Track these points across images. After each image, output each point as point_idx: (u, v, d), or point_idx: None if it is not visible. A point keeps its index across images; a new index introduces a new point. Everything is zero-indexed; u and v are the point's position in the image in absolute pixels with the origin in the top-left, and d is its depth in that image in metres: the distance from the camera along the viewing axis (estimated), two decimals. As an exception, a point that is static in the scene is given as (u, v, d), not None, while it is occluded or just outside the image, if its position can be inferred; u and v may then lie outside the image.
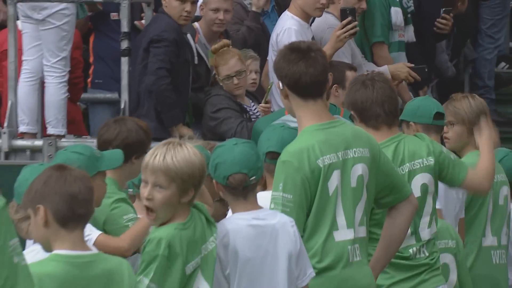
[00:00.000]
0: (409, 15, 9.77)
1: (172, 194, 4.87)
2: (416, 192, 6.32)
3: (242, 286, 5.40)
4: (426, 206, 6.43)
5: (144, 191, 4.90)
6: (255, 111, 9.25)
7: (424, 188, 6.51)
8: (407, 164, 6.40)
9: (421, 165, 6.46)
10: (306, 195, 5.61)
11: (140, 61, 8.82)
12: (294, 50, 5.68)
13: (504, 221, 7.42)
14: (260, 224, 5.51)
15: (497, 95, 11.91)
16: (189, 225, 4.97)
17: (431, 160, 6.50)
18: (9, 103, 8.82)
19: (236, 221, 5.37)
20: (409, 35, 9.82)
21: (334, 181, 5.67)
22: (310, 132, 5.61)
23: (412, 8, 9.97)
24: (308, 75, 5.62)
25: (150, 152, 5.03)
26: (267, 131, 6.21)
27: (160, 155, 4.98)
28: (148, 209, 4.88)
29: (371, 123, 6.34)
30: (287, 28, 8.67)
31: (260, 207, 5.53)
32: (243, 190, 5.48)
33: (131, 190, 6.46)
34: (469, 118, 7.37)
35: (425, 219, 6.37)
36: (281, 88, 5.68)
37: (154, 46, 8.75)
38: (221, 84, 8.65)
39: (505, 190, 7.31)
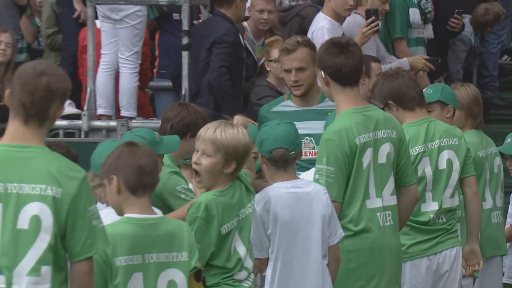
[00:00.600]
0: (428, 15, 9.91)
1: (216, 162, 5.14)
2: (442, 165, 6.65)
3: (281, 244, 5.75)
4: (451, 179, 6.59)
5: (195, 157, 5.20)
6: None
7: (449, 162, 6.69)
8: (437, 140, 6.55)
9: (448, 143, 6.59)
10: (346, 168, 5.81)
11: (203, 58, 9.03)
12: (335, 45, 5.92)
13: (499, 186, 7.58)
14: (297, 191, 5.83)
15: (500, 83, 12.15)
16: (227, 192, 5.19)
17: (456, 141, 6.67)
18: (88, 89, 9.17)
19: (277, 189, 5.64)
20: (428, 32, 9.97)
21: (367, 157, 5.92)
22: (348, 115, 5.83)
23: (430, 9, 10.01)
24: (348, 66, 5.84)
25: (205, 126, 5.38)
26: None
27: (212, 129, 5.25)
28: (196, 173, 5.17)
29: (409, 106, 6.52)
30: (320, 27, 8.77)
31: (297, 178, 5.80)
32: (283, 163, 5.76)
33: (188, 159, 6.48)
34: (467, 103, 7.49)
35: (449, 191, 6.50)
36: (323, 76, 5.91)
37: (216, 47, 8.93)
38: (268, 69, 8.77)
39: (498, 160, 7.58)
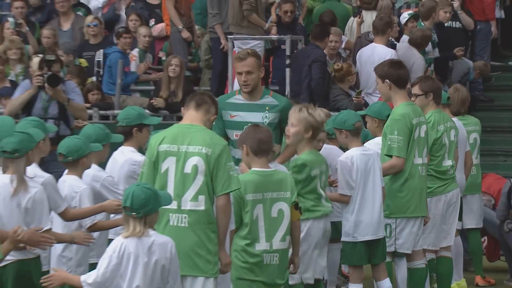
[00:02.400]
0: (435, 43, 11.57)
1: (298, 130, 6.27)
2: (452, 138, 7.83)
3: (360, 188, 7.00)
4: (454, 149, 7.82)
5: (288, 129, 6.39)
6: (352, 95, 11.11)
7: (454, 137, 7.94)
8: (448, 123, 7.75)
9: (451, 125, 7.80)
10: (408, 139, 7.06)
11: (305, 72, 10.79)
12: (397, 62, 7.57)
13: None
14: (366, 153, 7.13)
15: (484, 86, 13.10)
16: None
17: (453, 124, 7.90)
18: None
19: (355, 151, 6.92)
20: (435, 53, 11.60)
21: (416, 133, 7.21)
22: (406, 105, 7.12)
23: (436, 40, 11.53)
24: (406, 75, 7.38)
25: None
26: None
27: (300, 108, 6.39)
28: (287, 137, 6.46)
29: (438, 101, 7.75)
30: (390, 53, 10.40)
31: (363, 145, 7.02)
32: (357, 132, 7.03)
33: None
34: (461, 98, 8.84)
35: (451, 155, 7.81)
36: (388, 83, 7.13)
37: (315, 65, 10.71)
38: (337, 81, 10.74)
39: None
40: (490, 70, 12.77)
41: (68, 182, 5.91)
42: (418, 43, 11.22)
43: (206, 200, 5.43)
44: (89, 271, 5.23)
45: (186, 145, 5.43)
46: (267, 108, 6.55)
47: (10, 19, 12.07)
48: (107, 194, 6.15)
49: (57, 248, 5.94)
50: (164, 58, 12.28)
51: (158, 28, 12.61)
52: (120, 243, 4.72)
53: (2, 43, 11.67)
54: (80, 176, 6.03)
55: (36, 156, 5.70)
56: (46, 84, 9.01)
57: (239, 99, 6.63)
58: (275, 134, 6.46)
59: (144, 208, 4.68)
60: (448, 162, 7.75)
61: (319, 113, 6.76)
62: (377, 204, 7.04)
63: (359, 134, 7.07)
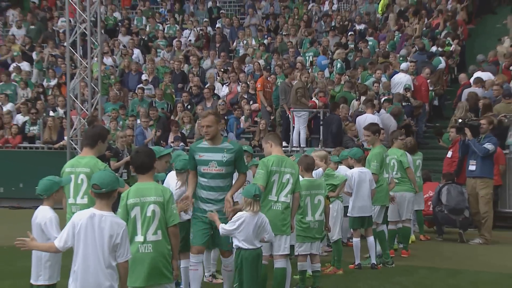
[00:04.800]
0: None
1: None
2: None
3: (356, 190, 8.72)
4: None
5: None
6: (355, 141, 13.10)
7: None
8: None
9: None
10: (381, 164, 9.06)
11: (331, 130, 13.85)
12: (375, 123, 9.45)
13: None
14: (362, 171, 8.89)
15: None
16: None
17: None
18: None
19: (356, 170, 8.69)
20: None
21: (387, 160, 9.26)
22: (378, 147, 9.01)
23: None
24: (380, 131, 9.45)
25: None
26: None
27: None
28: None
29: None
30: None
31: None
32: (361, 160, 8.72)
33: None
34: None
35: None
36: (371, 134, 9.02)
37: (334, 125, 13.86)
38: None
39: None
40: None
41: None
42: (395, 115, 13.78)
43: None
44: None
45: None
46: (225, 150, 6.89)
47: None
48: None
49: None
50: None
51: (255, 106, 16.39)
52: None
53: None
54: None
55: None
56: None
57: (205, 144, 6.96)
58: (231, 169, 6.89)
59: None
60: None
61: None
62: (367, 198, 8.98)
63: (361, 161, 9.09)
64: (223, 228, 6.44)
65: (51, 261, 5.92)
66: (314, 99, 15.07)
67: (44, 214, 5.72)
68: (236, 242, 6.51)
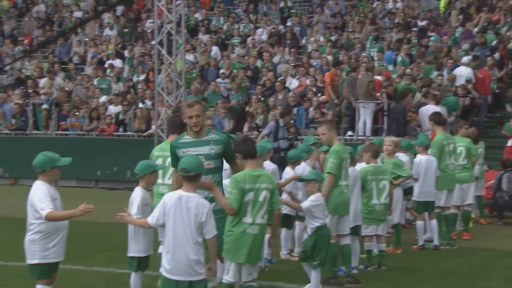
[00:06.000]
0: None
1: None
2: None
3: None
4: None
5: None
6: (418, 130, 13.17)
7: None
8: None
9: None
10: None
11: (397, 119, 13.92)
12: (438, 113, 9.22)
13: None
14: (430, 158, 8.96)
15: None
16: None
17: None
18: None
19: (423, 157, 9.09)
20: None
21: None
22: (441, 135, 8.73)
23: None
24: (444, 119, 9.42)
25: None
26: None
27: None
28: None
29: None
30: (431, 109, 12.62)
31: None
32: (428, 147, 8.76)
33: None
34: None
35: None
36: (432, 123, 8.89)
37: (401, 114, 13.55)
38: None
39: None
40: None
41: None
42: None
43: None
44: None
45: None
46: (211, 142, 5.85)
47: None
48: None
49: None
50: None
51: (323, 98, 16.30)
52: None
53: None
54: None
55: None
56: None
57: (188, 139, 5.89)
58: (220, 163, 5.86)
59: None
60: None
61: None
62: (432, 184, 9.06)
63: (428, 148, 9.07)
64: (310, 202, 6.44)
65: (144, 236, 6.02)
66: (380, 91, 14.99)
67: (135, 193, 5.92)
68: (313, 223, 6.53)
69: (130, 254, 6.10)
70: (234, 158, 5.79)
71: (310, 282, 6.49)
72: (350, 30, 19.96)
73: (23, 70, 20.32)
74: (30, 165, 5.43)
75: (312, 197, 6.50)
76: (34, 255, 5.34)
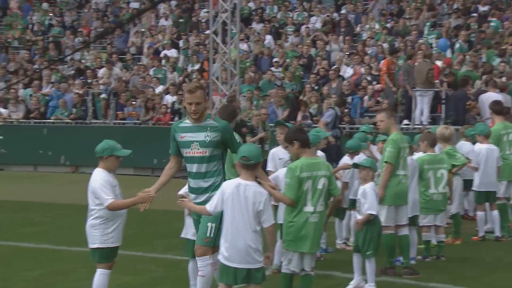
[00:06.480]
0: None
1: None
2: None
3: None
4: None
5: None
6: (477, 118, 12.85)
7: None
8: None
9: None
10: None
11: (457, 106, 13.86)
12: (498, 102, 9.04)
13: None
14: (491, 147, 8.84)
15: None
16: None
17: None
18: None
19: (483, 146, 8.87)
20: None
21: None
22: (500, 124, 8.66)
23: None
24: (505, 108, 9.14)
25: None
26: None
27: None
28: None
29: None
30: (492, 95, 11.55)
31: None
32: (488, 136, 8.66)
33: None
34: None
35: None
36: (491, 111, 8.75)
37: (461, 101, 13.50)
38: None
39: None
40: None
41: None
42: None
43: None
44: None
45: None
46: (208, 128, 5.50)
47: None
48: None
49: None
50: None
51: (378, 87, 16.18)
52: None
53: None
54: None
55: None
56: None
57: (187, 123, 5.59)
58: (218, 151, 5.48)
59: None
60: None
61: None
62: (494, 174, 8.87)
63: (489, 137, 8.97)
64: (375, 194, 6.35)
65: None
66: (439, 79, 14.72)
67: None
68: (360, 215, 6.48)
69: (182, 236, 6.14)
70: (237, 147, 5.38)
71: (364, 272, 6.43)
72: (407, 16, 19.54)
73: (83, 61, 20.83)
74: (90, 153, 5.68)
75: (371, 187, 6.43)
76: (94, 239, 5.50)
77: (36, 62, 20.75)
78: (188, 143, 5.49)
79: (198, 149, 5.47)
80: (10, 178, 16.09)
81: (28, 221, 10.39)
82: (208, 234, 5.28)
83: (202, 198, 5.40)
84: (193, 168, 5.47)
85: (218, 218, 5.17)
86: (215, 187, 5.35)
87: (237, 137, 6.33)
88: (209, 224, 5.24)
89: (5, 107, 18.56)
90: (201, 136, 5.48)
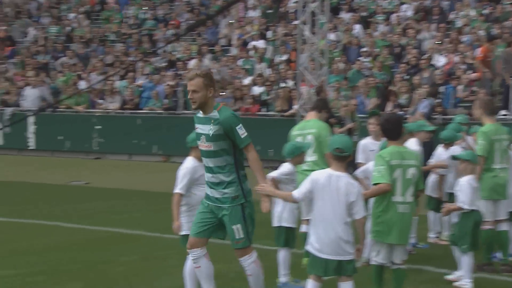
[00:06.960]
0: None
1: None
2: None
3: None
4: None
5: None
6: None
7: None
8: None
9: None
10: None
11: None
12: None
13: None
14: None
15: None
16: None
17: None
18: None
19: None
20: None
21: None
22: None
23: None
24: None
25: None
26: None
27: None
28: None
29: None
30: None
31: None
32: None
33: None
34: None
35: None
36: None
37: None
38: None
39: None
40: None
41: None
42: None
43: None
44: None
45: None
46: (211, 121, 5.21)
47: None
48: None
49: None
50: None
51: (474, 76, 15.59)
52: None
53: None
54: None
55: None
56: None
57: (200, 114, 5.35)
58: (224, 145, 5.14)
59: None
60: None
61: None
62: None
63: None
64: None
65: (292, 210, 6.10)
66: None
67: (280, 171, 6.02)
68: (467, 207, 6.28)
69: (278, 224, 6.11)
70: (245, 140, 5.10)
71: (461, 268, 6.30)
72: (507, 2, 18.65)
73: (174, 53, 21.26)
74: (181, 143, 5.65)
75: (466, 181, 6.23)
76: (182, 226, 5.59)
77: (131, 54, 21.43)
78: (199, 136, 5.30)
79: (205, 142, 5.23)
80: (107, 166, 16.68)
81: (123, 208, 10.74)
82: (238, 237, 5.17)
83: (217, 195, 5.17)
84: (204, 161, 5.27)
85: (241, 219, 5.09)
86: (225, 185, 5.11)
87: (326, 127, 6.47)
88: (234, 227, 5.12)
89: (102, 98, 19.28)
90: (206, 129, 5.22)
